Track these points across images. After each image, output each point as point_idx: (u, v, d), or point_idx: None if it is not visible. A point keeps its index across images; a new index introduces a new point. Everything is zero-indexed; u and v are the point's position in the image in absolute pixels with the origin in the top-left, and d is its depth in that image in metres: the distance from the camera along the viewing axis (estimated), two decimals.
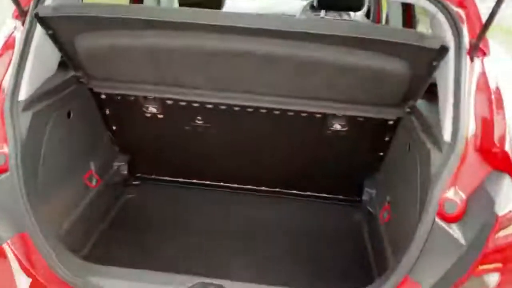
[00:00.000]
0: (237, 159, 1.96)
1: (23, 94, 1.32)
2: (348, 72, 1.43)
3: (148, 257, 1.68)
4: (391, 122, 1.66)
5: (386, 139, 1.75)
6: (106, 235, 1.81)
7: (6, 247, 1.23)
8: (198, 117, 1.79)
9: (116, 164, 1.97)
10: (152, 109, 1.78)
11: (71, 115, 1.58)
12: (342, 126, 1.72)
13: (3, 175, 1.25)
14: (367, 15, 3.45)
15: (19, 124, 1.28)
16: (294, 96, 1.59)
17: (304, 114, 1.68)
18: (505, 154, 1.18)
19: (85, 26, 1.41)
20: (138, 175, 2.19)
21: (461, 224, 1.15)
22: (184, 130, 1.85)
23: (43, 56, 1.43)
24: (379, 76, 1.42)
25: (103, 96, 1.75)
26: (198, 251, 1.75)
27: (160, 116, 1.81)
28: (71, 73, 1.59)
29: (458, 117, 1.22)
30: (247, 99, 1.62)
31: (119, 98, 1.73)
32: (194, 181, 2.16)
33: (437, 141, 1.28)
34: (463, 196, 1.17)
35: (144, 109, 1.78)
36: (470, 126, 1.24)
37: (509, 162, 1.18)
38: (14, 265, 1.25)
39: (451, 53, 1.31)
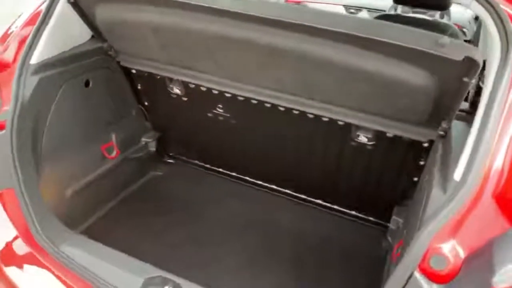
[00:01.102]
0: (257, 155, 1.86)
1: (35, 58, 1.37)
2: (358, 75, 1.21)
3: (144, 241, 1.67)
4: (425, 145, 1.40)
5: (421, 163, 1.49)
6: (117, 208, 1.84)
7: None
8: (219, 105, 1.72)
9: (144, 139, 1.99)
10: (177, 90, 1.75)
11: (90, 84, 1.61)
12: (369, 139, 1.51)
13: (2, 132, 1.31)
14: None
15: (24, 85, 1.33)
16: (307, 97, 1.42)
17: (325, 119, 1.50)
18: None
19: None
20: (171, 154, 2.21)
21: None
22: (207, 117, 1.79)
23: (66, 24, 1.46)
24: (394, 85, 1.19)
25: (133, 71, 1.76)
26: (198, 244, 1.70)
27: (185, 98, 1.78)
28: (98, 44, 1.62)
29: (477, 150, 0.96)
30: (259, 93, 1.50)
31: (146, 75, 1.73)
32: (220, 169, 2.11)
33: (445, 176, 1.03)
34: (461, 253, 0.92)
35: (170, 90, 1.76)
36: (495, 164, 0.97)
37: None
38: (2, 215, 1.33)
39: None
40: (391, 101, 1.25)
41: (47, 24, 1.40)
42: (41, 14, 1.40)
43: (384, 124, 1.38)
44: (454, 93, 1.14)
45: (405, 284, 0.92)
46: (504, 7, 1.08)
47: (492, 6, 1.05)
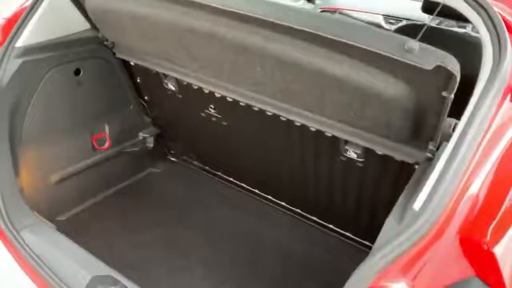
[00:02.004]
0: (251, 161, 1.77)
1: (21, 41, 1.37)
2: (327, 81, 1.09)
3: (118, 237, 1.64)
4: (416, 167, 1.25)
5: None
6: (105, 201, 1.83)
7: None
8: (211, 105, 1.65)
9: (142, 134, 1.96)
10: (171, 87, 1.70)
11: (81, 73, 1.60)
12: (358, 155, 1.37)
13: None
14: None
15: (5, 68, 1.34)
16: (284, 102, 1.31)
17: (312, 129, 1.39)
18: (491, 256, 0.75)
19: None
20: (172, 152, 2.18)
21: None
22: (201, 116, 1.73)
23: (59, 10, 1.46)
24: (365, 94, 1.05)
25: (132, 64, 1.74)
26: (171, 248, 1.64)
27: (179, 96, 1.73)
28: (94, 33, 1.61)
29: (443, 177, 0.82)
30: (242, 95, 1.41)
31: (144, 69, 1.70)
32: (218, 173, 2.04)
33: (406, 204, 0.89)
34: None
35: (165, 86, 1.72)
36: (465, 197, 0.82)
37: (493, 268, 0.75)
38: None
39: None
40: (366, 113, 1.12)
41: (38, 7, 1.40)
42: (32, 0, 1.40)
43: (369, 140, 1.24)
44: (436, 110, 0.99)
45: None
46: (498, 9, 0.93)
47: (483, 8, 0.91)
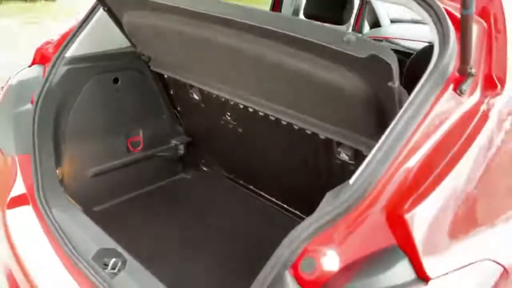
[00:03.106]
0: (268, 169, 1.89)
1: (70, 52, 1.67)
2: (296, 77, 1.19)
3: (140, 230, 1.82)
4: None
5: None
6: (134, 200, 2.03)
7: (16, 158, 1.62)
8: (228, 113, 1.82)
9: (174, 141, 2.18)
10: (196, 96, 1.91)
11: (119, 82, 1.86)
12: (349, 157, 1.44)
13: (32, 106, 1.62)
14: None
15: (55, 73, 1.63)
16: (268, 101, 1.44)
17: (308, 132, 1.49)
18: (403, 222, 0.79)
19: (131, 4, 1.65)
20: (203, 160, 2.37)
21: None
22: (221, 124, 1.91)
23: (103, 28, 1.74)
24: (330, 90, 1.14)
25: (166, 77, 1.98)
26: (188, 244, 1.80)
27: (202, 105, 1.93)
28: (132, 49, 1.88)
29: (375, 158, 0.88)
30: (247, 99, 1.56)
31: (175, 81, 1.93)
32: (241, 182, 2.18)
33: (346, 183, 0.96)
34: (337, 262, 0.85)
35: (191, 96, 1.93)
36: (395, 176, 0.88)
37: (406, 234, 0.78)
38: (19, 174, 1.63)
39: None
40: (337, 109, 1.20)
41: (86, 25, 1.70)
42: (83, 16, 1.71)
43: (347, 137, 1.31)
44: (390, 101, 1.05)
45: (271, 283, 0.88)
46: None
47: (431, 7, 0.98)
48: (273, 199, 2.05)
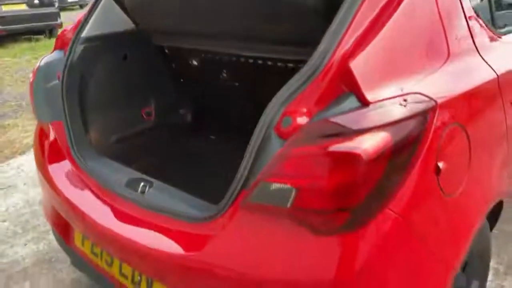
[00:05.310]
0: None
1: (84, 33, 1.98)
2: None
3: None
4: None
5: None
6: (152, 162, 2.31)
7: (50, 126, 1.93)
8: (224, 70, 2.12)
9: (181, 110, 2.47)
10: (195, 62, 2.21)
11: (128, 58, 2.17)
12: None
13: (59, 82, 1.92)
14: None
15: (74, 51, 1.93)
16: (254, 41, 1.73)
17: (290, 65, 1.77)
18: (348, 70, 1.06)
19: None
20: (210, 128, 2.65)
21: None
22: (220, 85, 2.20)
23: (109, 9, 2.06)
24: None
25: (166, 51, 2.29)
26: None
27: (201, 70, 2.22)
28: (135, 27, 2.18)
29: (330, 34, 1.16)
30: (228, 47, 1.86)
31: (175, 51, 2.22)
32: None
33: None
34: (306, 117, 1.11)
35: (191, 63, 2.23)
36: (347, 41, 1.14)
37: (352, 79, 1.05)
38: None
39: None
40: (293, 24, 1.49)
41: (96, 9, 2.01)
42: (91, 4, 2.03)
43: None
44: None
45: (261, 140, 1.15)
46: None
47: None
48: None
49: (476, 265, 1.65)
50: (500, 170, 1.56)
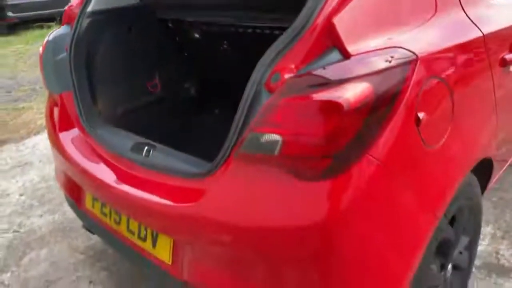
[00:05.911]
0: None
1: (90, 7, 2.07)
2: None
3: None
4: None
5: None
6: (158, 133, 2.41)
7: (60, 96, 2.03)
8: (224, 41, 2.19)
9: (186, 84, 2.56)
10: (196, 35, 2.29)
11: (132, 31, 2.25)
12: None
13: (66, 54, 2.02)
14: None
15: (81, 24, 2.03)
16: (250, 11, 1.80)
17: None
18: (331, 25, 1.13)
19: None
20: (213, 102, 2.73)
21: None
22: (221, 57, 2.27)
23: None
24: None
25: (170, 24, 2.36)
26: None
27: (203, 42, 2.30)
28: (139, 1, 2.26)
29: None
30: (227, 17, 1.93)
31: (178, 25, 2.30)
32: None
33: None
34: (293, 72, 1.18)
35: (193, 36, 2.31)
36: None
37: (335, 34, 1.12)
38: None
39: None
40: None
41: None
42: None
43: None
44: None
45: (253, 96, 1.24)
46: None
47: None
48: None
49: (465, 221, 1.71)
50: (488, 125, 1.61)
